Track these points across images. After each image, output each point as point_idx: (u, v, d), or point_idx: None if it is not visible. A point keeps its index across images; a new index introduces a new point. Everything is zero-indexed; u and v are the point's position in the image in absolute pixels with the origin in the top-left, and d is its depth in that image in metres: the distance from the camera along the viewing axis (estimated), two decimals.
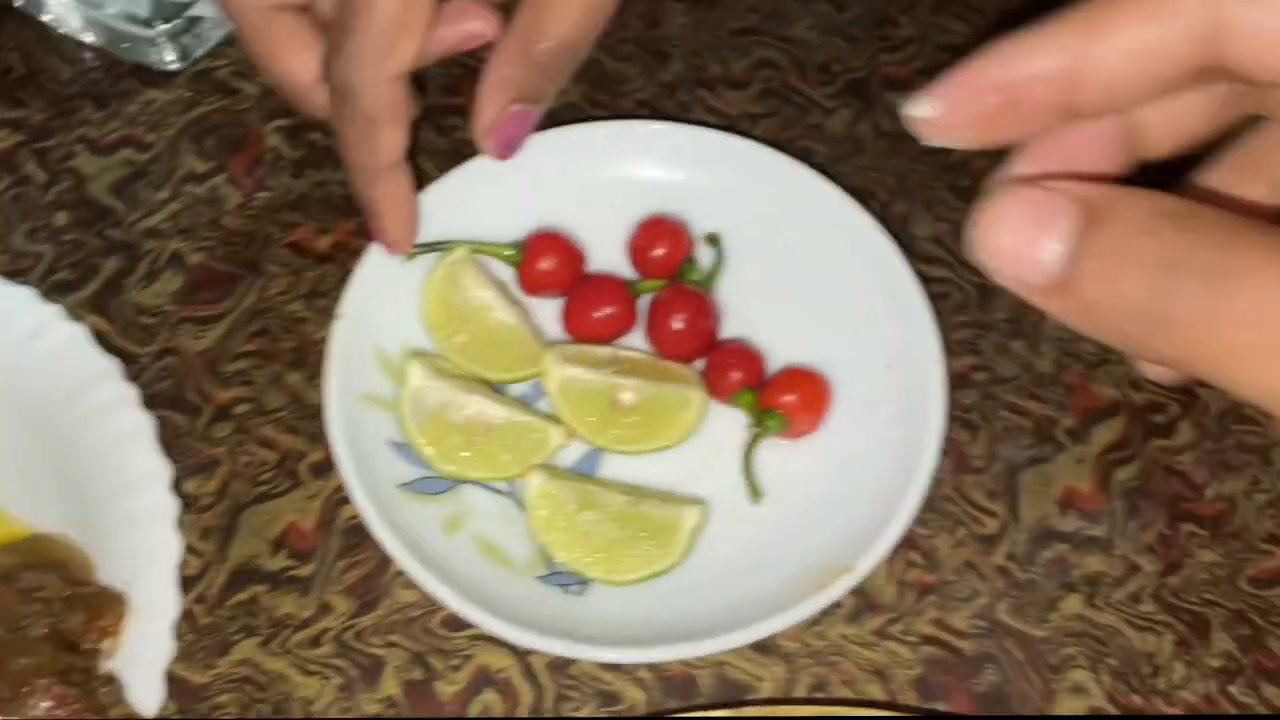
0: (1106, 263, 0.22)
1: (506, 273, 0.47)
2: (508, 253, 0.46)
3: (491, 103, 0.43)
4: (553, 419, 0.44)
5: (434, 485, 0.42)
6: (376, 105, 0.40)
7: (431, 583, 0.38)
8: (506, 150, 0.44)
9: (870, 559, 0.39)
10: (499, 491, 0.43)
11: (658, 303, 0.46)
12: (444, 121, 0.52)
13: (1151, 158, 0.28)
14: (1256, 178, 0.28)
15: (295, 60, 0.43)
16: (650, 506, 0.41)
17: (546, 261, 0.46)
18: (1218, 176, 0.29)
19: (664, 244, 0.47)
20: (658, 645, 0.38)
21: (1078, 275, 0.22)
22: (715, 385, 0.44)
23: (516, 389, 0.45)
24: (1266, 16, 0.23)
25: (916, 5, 0.57)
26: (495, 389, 0.44)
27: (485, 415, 0.42)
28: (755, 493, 0.42)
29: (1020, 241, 0.23)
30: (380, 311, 0.45)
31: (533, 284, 0.46)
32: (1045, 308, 0.23)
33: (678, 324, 0.45)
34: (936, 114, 0.24)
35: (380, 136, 0.41)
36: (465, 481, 0.42)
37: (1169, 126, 0.27)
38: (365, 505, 0.39)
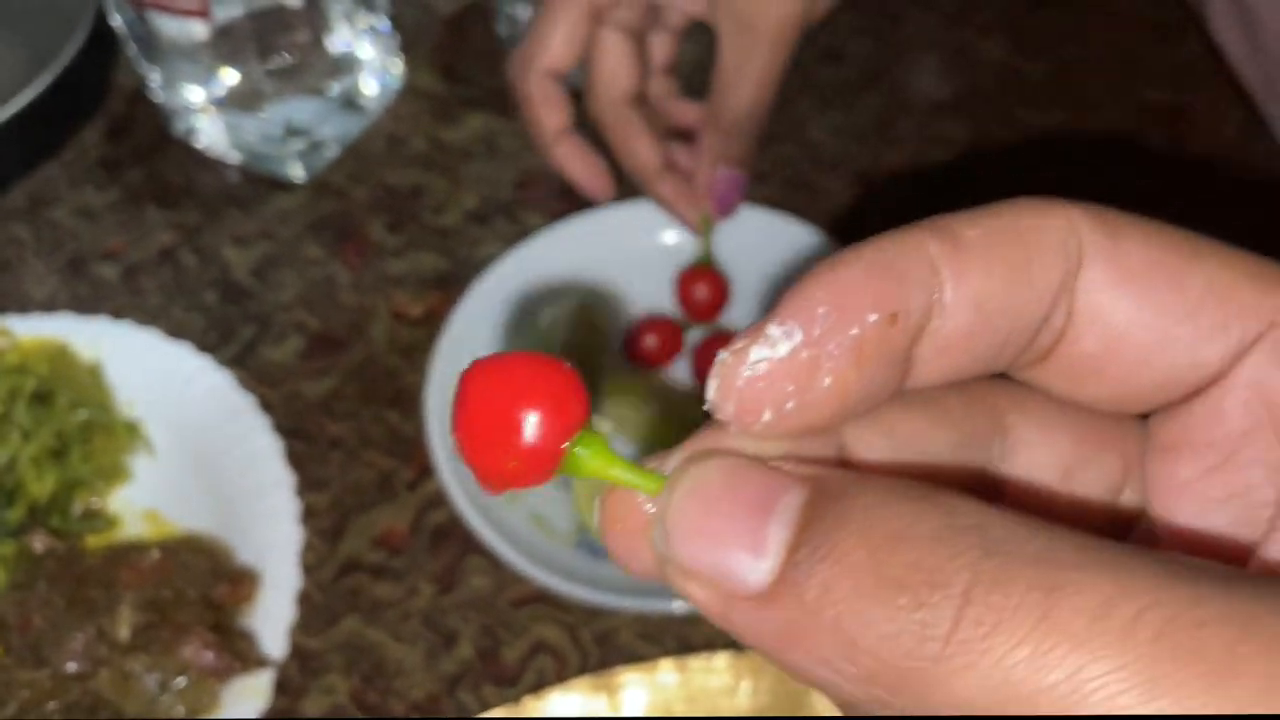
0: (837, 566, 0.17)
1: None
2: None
3: (704, 169, 0.56)
4: (601, 418, 0.54)
5: None
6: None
7: (497, 542, 0.49)
8: (723, 208, 0.56)
9: None
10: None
11: (703, 346, 0.56)
12: (516, 214, 0.64)
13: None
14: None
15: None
16: None
17: (650, 339, 0.57)
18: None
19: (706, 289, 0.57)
20: (656, 598, 0.48)
21: (795, 579, 0.17)
22: None
23: None
24: None
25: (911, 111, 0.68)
26: None
27: None
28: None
29: (736, 531, 0.18)
30: (476, 335, 0.56)
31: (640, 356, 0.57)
32: (736, 627, 0.18)
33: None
34: (793, 352, 0.18)
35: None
36: None
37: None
38: (450, 482, 0.51)
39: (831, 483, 0.18)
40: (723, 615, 0.18)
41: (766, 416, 0.18)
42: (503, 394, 0.19)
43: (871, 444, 0.21)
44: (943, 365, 0.20)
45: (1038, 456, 0.22)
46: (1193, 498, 0.21)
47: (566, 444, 0.19)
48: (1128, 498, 0.23)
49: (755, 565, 0.17)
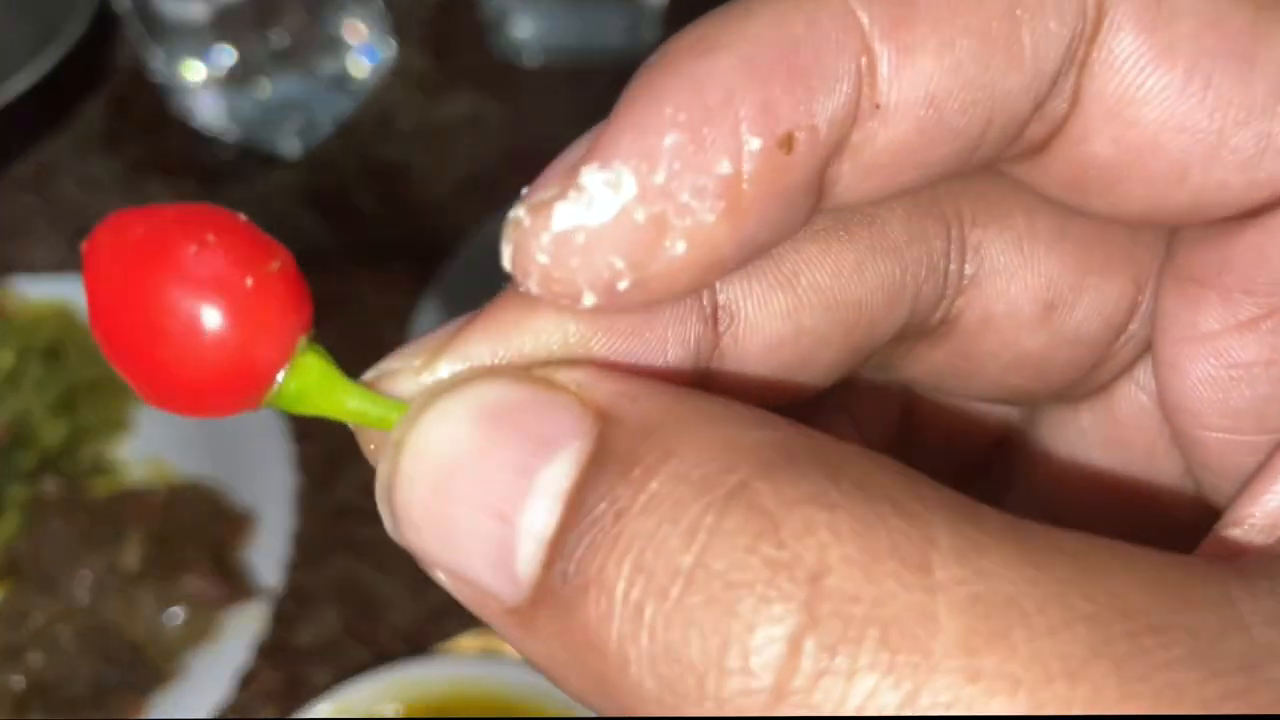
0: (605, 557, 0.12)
1: None
2: None
3: None
4: None
5: None
6: None
7: None
8: None
9: None
10: None
11: None
12: (500, 186, 0.68)
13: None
14: None
15: None
16: None
17: None
18: None
19: None
20: None
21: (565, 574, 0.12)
22: None
23: None
24: None
25: None
26: None
27: None
28: None
29: (476, 525, 0.13)
30: (460, 299, 0.60)
31: None
32: (499, 635, 0.13)
33: None
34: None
35: None
36: None
37: None
38: None
39: (624, 431, 0.12)
40: (481, 617, 0.13)
41: (588, 301, 0.13)
42: (164, 287, 0.12)
43: (762, 300, 0.14)
44: (873, 186, 0.13)
45: (1012, 287, 0.16)
46: (1212, 358, 0.15)
47: (278, 374, 0.12)
48: (1133, 332, 0.16)
49: (501, 577, 0.12)
